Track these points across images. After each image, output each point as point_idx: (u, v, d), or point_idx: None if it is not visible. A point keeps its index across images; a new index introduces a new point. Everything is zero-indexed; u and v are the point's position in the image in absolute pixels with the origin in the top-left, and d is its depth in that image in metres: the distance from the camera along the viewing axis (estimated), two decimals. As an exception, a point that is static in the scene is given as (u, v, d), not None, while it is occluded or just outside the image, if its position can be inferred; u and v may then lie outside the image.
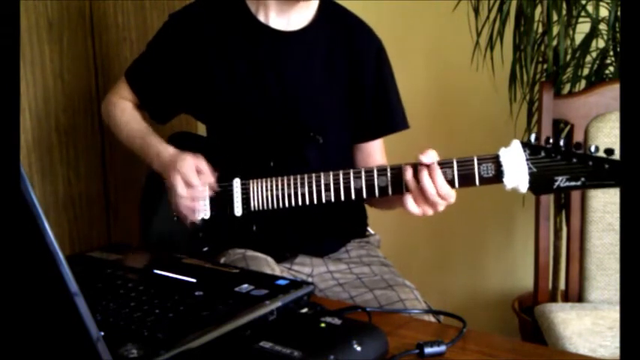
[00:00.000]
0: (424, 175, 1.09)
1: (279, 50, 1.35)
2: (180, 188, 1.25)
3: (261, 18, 1.36)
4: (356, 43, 1.37)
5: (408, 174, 1.11)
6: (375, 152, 1.43)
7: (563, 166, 1.03)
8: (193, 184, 1.25)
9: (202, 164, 1.26)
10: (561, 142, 1.04)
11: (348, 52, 1.36)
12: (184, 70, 1.38)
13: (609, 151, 1.01)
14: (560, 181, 1.04)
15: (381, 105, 1.38)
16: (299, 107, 1.36)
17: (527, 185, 1.06)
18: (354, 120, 1.39)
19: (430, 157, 1.10)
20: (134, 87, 1.45)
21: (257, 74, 1.35)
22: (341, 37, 1.37)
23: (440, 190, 1.09)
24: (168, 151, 1.33)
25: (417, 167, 1.11)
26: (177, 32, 1.40)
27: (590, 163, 1.02)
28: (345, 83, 1.36)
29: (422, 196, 1.10)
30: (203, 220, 1.33)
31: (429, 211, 1.13)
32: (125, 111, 1.46)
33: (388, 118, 1.40)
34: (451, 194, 1.11)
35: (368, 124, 1.39)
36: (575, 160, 1.03)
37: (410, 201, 1.12)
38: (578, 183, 1.03)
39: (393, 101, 1.40)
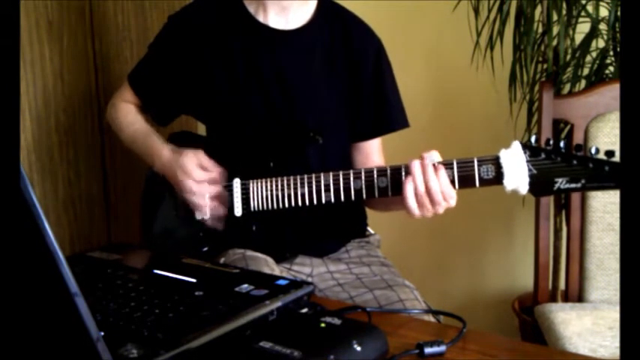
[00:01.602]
0: (430, 172, 1.09)
1: (278, 50, 1.35)
2: (188, 185, 1.26)
3: (260, 18, 1.36)
4: (355, 42, 1.37)
5: (416, 169, 1.11)
6: (373, 153, 1.42)
7: (563, 168, 1.03)
8: (198, 180, 1.26)
9: (204, 159, 1.27)
10: (561, 144, 1.04)
11: (347, 51, 1.36)
12: (185, 71, 1.38)
13: (609, 153, 1.01)
14: (561, 182, 1.04)
15: (379, 104, 1.38)
16: (298, 107, 1.36)
17: (527, 187, 1.06)
18: (352, 119, 1.39)
19: (433, 157, 1.11)
20: (137, 90, 1.46)
21: (256, 74, 1.35)
22: (340, 36, 1.37)
23: (444, 191, 1.09)
24: (167, 150, 1.33)
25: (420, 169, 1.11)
26: (177, 34, 1.40)
27: (591, 165, 1.02)
28: (345, 82, 1.36)
29: (426, 194, 1.10)
30: (203, 219, 1.33)
31: (429, 212, 1.12)
32: (128, 114, 1.46)
33: (387, 117, 1.39)
34: (452, 195, 1.10)
35: (366, 124, 1.39)
36: (575, 162, 1.03)
37: (412, 200, 1.11)
38: (579, 185, 1.03)
39: (392, 100, 1.40)
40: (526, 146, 1.06)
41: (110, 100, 1.53)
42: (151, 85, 1.44)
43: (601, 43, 1.80)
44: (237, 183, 1.29)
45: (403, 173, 1.13)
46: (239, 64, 1.36)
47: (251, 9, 1.37)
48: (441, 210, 1.12)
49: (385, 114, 1.39)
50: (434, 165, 1.10)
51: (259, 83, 1.35)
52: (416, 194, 1.11)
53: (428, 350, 0.90)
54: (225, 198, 1.29)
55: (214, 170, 1.28)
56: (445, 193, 1.09)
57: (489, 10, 1.89)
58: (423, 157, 1.11)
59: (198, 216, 1.32)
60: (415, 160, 1.12)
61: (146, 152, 1.39)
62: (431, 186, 1.09)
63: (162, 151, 1.34)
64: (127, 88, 1.47)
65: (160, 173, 1.37)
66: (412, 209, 1.12)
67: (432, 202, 1.11)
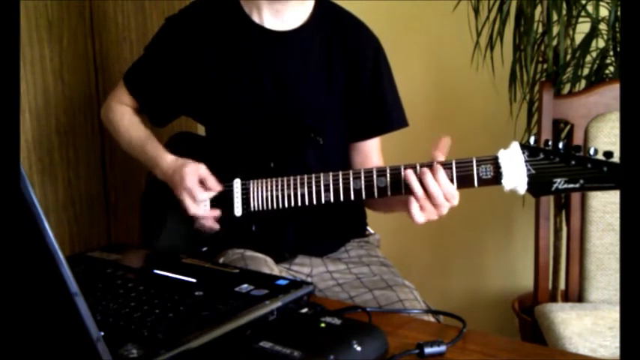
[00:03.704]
0: (428, 178, 1.09)
1: (274, 50, 1.35)
2: (193, 208, 1.28)
3: (255, 19, 1.36)
4: (353, 42, 1.37)
5: (412, 178, 1.10)
6: (372, 152, 1.42)
7: (561, 168, 1.03)
8: (201, 200, 1.27)
9: (204, 172, 1.27)
10: (560, 145, 1.04)
11: (344, 51, 1.36)
12: (182, 72, 1.38)
13: (608, 154, 1.01)
14: (559, 183, 1.04)
15: (377, 104, 1.38)
16: (296, 107, 1.36)
17: (525, 187, 1.06)
18: (351, 119, 1.39)
19: (444, 146, 1.11)
20: (133, 91, 1.45)
21: (253, 75, 1.35)
22: (337, 36, 1.37)
23: (446, 192, 1.09)
24: (166, 160, 1.33)
25: (418, 170, 1.11)
26: (174, 35, 1.40)
27: (589, 165, 1.02)
28: (343, 82, 1.36)
29: (428, 199, 1.10)
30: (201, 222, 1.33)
31: (434, 216, 1.12)
32: (124, 117, 1.46)
33: (385, 117, 1.39)
34: (455, 195, 1.10)
35: (365, 123, 1.39)
36: (573, 162, 1.03)
37: (415, 208, 1.10)
38: (577, 185, 1.03)
39: (391, 100, 1.39)
40: (525, 146, 1.06)
41: (105, 102, 1.52)
42: (147, 87, 1.44)
43: (601, 43, 1.80)
44: (237, 183, 1.29)
45: (402, 174, 1.13)
46: (236, 66, 1.36)
47: (246, 10, 1.37)
48: (444, 211, 1.12)
49: (383, 113, 1.39)
50: (432, 167, 1.10)
51: (256, 84, 1.35)
52: (417, 199, 1.11)
53: (428, 350, 0.90)
54: (223, 204, 1.29)
55: (214, 186, 1.28)
56: (447, 194, 1.09)
57: (489, 10, 1.89)
58: (436, 158, 1.11)
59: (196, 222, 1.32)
60: (410, 170, 1.11)
61: (146, 159, 1.39)
62: (431, 190, 1.09)
63: (163, 159, 1.34)
64: (123, 89, 1.47)
65: (161, 179, 1.36)
66: (418, 222, 1.12)
67: (435, 205, 1.11)
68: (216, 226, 1.29)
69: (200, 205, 1.28)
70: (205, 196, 1.27)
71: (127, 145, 1.44)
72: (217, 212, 1.29)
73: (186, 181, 1.27)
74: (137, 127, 1.44)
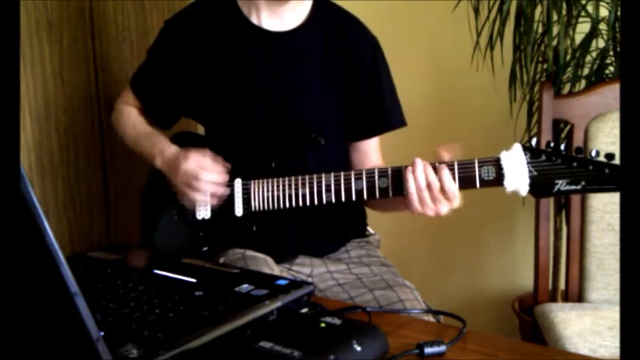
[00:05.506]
0: (430, 167, 1.10)
1: (272, 51, 1.35)
2: (202, 173, 1.24)
3: (254, 19, 1.36)
4: (351, 41, 1.37)
5: (416, 163, 1.11)
6: (371, 151, 1.42)
7: (563, 170, 1.04)
8: (210, 169, 1.25)
9: (213, 157, 1.27)
10: (562, 146, 1.04)
11: (343, 50, 1.36)
12: (183, 75, 1.39)
13: (610, 156, 1.01)
14: (561, 184, 1.04)
15: (376, 103, 1.38)
16: (296, 107, 1.36)
17: (527, 188, 1.06)
18: (350, 119, 1.39)
19: (451, 149, 1.11)
20: (138, 95, 1.47)
21: (253, 76, 1.35)
22: (335, 35, 1.36)
23: (448, 190, 1.09)
24: (172, 148, 1.34)
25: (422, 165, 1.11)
26: (173, 38, 1.41)
27: (591, 167, 1.02)
28: (341, 82, 1.36)
29: (426, 188, 1.10)
30: (203, 219, 1.33)
31: (431, 210, 1.13)
32: (131, 116, 1.47)
33: (384, 116, 1.39)
34: (457, 194, 1.11)
35: (363, 123, 1.39)
36: (575, 164, 1.03)
37: (412, 188, 1.11)
38: (579, 187, 1.03)
39: (389, 99, 1.39)
40: (527, 148, 1.06)
41: (115, 106, 1.54)
42: (150, 90, 1.45)
43: (601, 43, 1.80)
44: (238, 183, 1.29)
45: (404, 173, 1.13)
46: (235, 67, 1.36)
47: (245, 10, 1.37)
48: (443, 209, 1.12)
49: (382, 113, 1.39)
50: (436, 164, 1.10)
51: (256, 85, 1.35)
52: (417, 188, 1.11)
53: (428, 350, 0.90)
54: (224, 204, 1.28)
55: (223, 166, 1.28)
56: (447, 189, 1.09)
57: (489, 10, 1.89)
58: (442, 156, 1.12)
59: (199, 215, 1.32)
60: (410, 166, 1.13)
61: (149, 150, 1.39)
62: (431, 180, 1.10)
63: (167, 147, 1.34)
64: (129, 93, 1.48)
65: (161, 170, 1.36)
66: (413, 203, 1.12)
67: (433, 198, 1.11)
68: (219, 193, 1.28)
69: (208, 174, 1.25)
70: (214, 167, 1.25)
71: (134, 139, 1.45)
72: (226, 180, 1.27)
73: (195, 154, 1.25)
74: (143, 124, 1.45)
